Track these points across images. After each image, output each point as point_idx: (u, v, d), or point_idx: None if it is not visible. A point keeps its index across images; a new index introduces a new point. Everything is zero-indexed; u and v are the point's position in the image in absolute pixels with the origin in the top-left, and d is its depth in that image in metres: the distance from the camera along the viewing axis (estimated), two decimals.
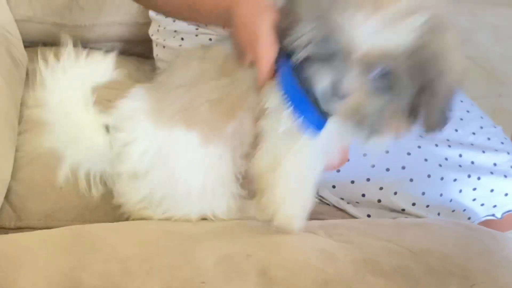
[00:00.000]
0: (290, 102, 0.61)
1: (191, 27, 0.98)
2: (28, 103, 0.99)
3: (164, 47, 1.03)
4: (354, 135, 0.62)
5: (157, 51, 1.06)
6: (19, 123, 0.94)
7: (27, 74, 1.06)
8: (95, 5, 1.18)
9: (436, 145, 0.89)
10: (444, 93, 0.59)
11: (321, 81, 0.58)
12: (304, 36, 0.58)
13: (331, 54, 0.57)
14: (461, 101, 1.00)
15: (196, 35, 0.98)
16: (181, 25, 0.99)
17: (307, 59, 0.58)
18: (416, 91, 0.58)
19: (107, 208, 0.81)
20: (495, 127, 0.98)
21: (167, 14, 0.95)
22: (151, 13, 1.07)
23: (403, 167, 0.86)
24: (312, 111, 0.60)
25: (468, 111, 0.99)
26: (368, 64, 0.56)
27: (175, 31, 1.01)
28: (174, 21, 1.01)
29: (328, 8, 0.56)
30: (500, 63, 2.50)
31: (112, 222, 0.71)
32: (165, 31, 1.02)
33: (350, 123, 0.60)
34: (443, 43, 0.59)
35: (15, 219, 0.82)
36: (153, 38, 1.06)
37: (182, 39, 1.00)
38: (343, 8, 0.55)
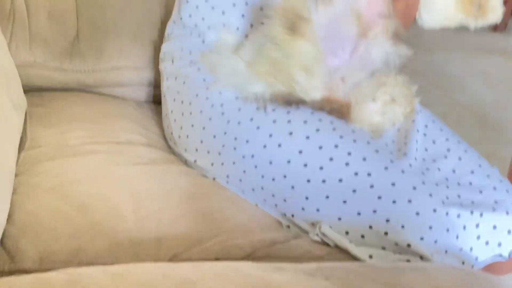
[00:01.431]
0: None
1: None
2: (25, 146, 1.00)
3: (176, 78, 1.05)
4: None
5: (168, 83, 1.08)
6: (16, 165, 0.94)
7: (25, 117, 1.07)
8: (95, 51, 1.20)
9: (437, 184, 0.90)
10: None
11: None
12: None
13: None
14: (458, 142, 1.02)
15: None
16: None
17: None
18: None
19: (100, 249, 0.81)
20: (492, 167, 1.00)
21: None
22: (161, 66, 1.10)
23: (409, 201, 0.86)
24: None
25: (466, 151, 1.00)
26: None
27: (191, 61, 1.04)
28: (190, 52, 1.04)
29: None
30: (492, 110, 2.53)
31: (105, 263, 0.71)
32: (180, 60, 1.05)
33: None
34: None
35: (9, 262, 0.81)
36: (166, 70, 1.09)
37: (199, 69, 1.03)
38: None
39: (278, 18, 0.88)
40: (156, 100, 1.27)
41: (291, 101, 0.96)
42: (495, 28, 3.67)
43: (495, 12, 0.98)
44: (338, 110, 0.97)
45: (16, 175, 0.92)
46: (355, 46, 0.96)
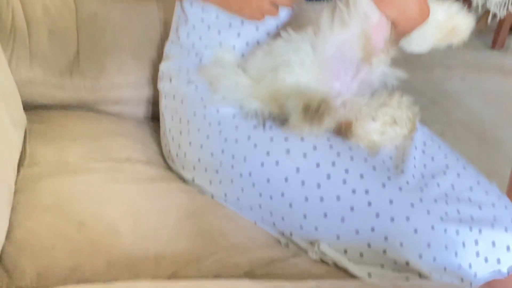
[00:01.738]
0: None
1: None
2: (24, 163, 1.00)
3: (174, 97, 1.05)
4: None
5: (166, 102, 1.08)
6: (15, 183, 0.94)
7: (25, 134, 1.07)
8: (95, 68, 1.20)
9: (435, 200, 0.90)
10: None
11: None
12: None
13: None
14: (457, 159, 1.02)
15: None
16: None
17: None
18: None
19: (98, 267, 0.81)
20: (491, 184, 1.00)
21: None
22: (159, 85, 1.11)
23: (407, 218, 0.86)
24: None
25: (464, 168, 1.00)
26: None
27: (188, 80, 1.04)
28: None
29: None
30: (491, 128, 2.54)
31: (103, 281, 0.71)
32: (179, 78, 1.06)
33: None
34: None
35: (7, 280, 0.81)
36: (164, 89, 1.09)
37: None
38: None
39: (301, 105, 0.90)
40: (155, 117, 1.27)
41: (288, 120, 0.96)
42: (493, 46, 3.69)
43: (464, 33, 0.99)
44: (336, 130, 0.97)
45: (15, 193, 0.92)
46: (357, 70, 0.97)
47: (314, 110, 0.88)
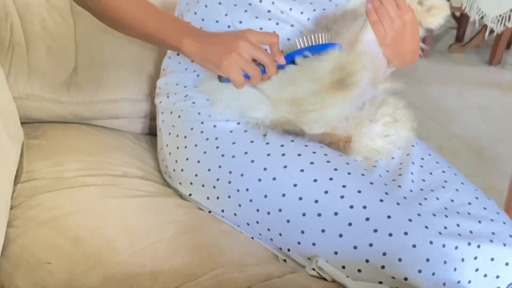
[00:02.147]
0: None
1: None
2: (21, 178, 1.00)
3: (171, 112, 1.06)
4: None
5: (163, 117, 1.08)
6: (11, 198, 0.94)
7: (22, 149, 1.07)
8: (93, 83, 1.21)
9: (434, 215, 0.90)
10: None
11: None
12: None
13: None
14: (455, 174, 1.02)
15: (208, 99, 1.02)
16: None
17: None
18: None
19: (95, 283, 0.80)
20: (489, 199, 1.00)
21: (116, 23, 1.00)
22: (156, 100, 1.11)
23: (406, 233, 0.86)
24: None
25: (462, 183, 1.00)
26: None
27: (186, 95, 1.04)
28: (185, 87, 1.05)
29: None
30: (488, 143, 2.55)
31: None
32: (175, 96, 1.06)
33: None
34: None
35: None
36: (161, 105, 1.09)
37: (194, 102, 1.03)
38: None
39: (331, 65, 0.90)
40: (152, 132, 1.28)
41: (289, 131, 0.97)
42: (490, 61, 3.71)
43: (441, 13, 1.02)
44: (335, 144, 0.98)
45: (11, 208, 0.92)
46: (364, 93, 0.98)
47: (344, 70, 0.89)
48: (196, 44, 0.94)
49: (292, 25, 1.03)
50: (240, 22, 1.02)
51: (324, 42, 0.94)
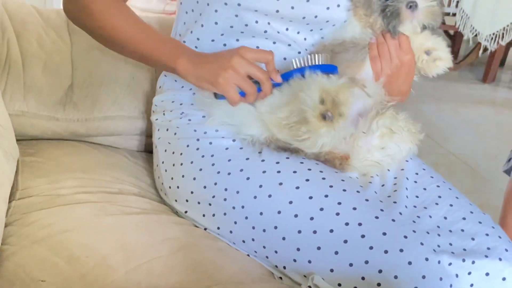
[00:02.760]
0: None
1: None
2: (16, 195, 1.00)
3: (167, 129, 1.06)
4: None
5: (159, 134, 1.08)
6: (6, 215, 0.94)
7: (17, 166, 1.07)
8: (89, 100, 1.21)
9: (428, 232, 0.90)
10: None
11: None
12: None
13: None
14: (450, 189, 1.03)
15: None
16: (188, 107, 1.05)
17: None
18: None
19: None
20: (484, 214, 1.00)
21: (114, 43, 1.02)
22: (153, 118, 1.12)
23: (401, 250, 0.86)
24: None
25: (457, 197, 1.01)
26: None
27: (182, 112, 1.05)
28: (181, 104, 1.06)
29: None
30: (483, 160, 2.56)
31: None
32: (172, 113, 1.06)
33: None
34: None
35: None
36: (157, 122, 1.09)
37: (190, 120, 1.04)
38: None
39: (318, 94, 0.90)
40: (148, 149, 1.28)
41: (285, 148, 0.97)
42: (484, 79, 3.74)
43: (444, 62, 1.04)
44: (331, 162, 0.98)
45: (6, 225, 0.92)
46: (355, 118, 1.00)
47: (331, 101, 0.89)
48: (190, 64, 0.95)
49: (289, 45, 1.03)
50: (237, 40, 1.02)
51: (321, 63, 0.95)
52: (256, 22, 1.00)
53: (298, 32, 1.03)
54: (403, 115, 1.03)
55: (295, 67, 0.96)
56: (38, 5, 1.28)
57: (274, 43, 1.03)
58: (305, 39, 1.04)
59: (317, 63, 0.95)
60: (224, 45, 1.03)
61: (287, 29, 1.02)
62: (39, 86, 1.18)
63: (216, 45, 1.03)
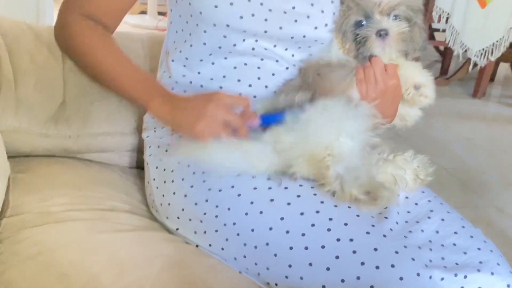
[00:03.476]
0: None
1: None
2: (7, 212, 0.99)
3: (158, 146, 1.07)
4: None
5: (150, 151, 1.09)
6: None
7: (8, 183, 1.06)
8: (80, 117, 1.21)
9: (419, 248, 0.90)
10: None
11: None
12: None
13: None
14: (441, 204, 1.03)
15: None
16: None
17: None
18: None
19: None
20: (475, 228, 1.00)
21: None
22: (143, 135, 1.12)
23: (393, 265, 0.86)
24: None
25: (448, 212, 1.01)
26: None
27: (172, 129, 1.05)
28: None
29: None
30: (475, 174, 2.57)
31: None
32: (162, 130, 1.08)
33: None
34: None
35: None
36: (148, 139, 1.10)
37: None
38: None
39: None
40: (140, 166, 1.27)
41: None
42: (474, 94, 3.77)
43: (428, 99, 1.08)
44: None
45: None
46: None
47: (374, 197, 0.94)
48: (165, 108, 1.00)
49: (276, 61, 1.04)
50: (225, 58, 1.03)
51: (302, 105, 0.98)
52: (244, 40, 1.01)
53: (286, 49, 1.05)
54: (419, 160, 1.07)
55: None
56: (30, 22, 1.28)
57: (262, 59, 1.04)
58: (292, 55, 1.06)
59: (299, 103, 0.98)
60: (213, 63, 1.04)
61: (275, 46, 1.04)
62: (31, 102, 1.18)
63: (204, 64, 1.05)
